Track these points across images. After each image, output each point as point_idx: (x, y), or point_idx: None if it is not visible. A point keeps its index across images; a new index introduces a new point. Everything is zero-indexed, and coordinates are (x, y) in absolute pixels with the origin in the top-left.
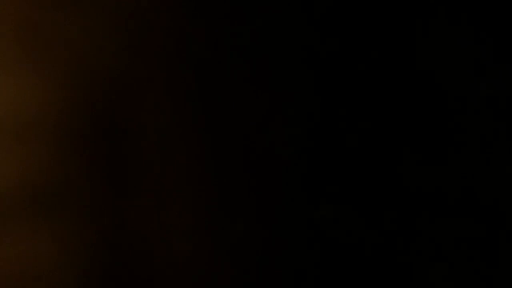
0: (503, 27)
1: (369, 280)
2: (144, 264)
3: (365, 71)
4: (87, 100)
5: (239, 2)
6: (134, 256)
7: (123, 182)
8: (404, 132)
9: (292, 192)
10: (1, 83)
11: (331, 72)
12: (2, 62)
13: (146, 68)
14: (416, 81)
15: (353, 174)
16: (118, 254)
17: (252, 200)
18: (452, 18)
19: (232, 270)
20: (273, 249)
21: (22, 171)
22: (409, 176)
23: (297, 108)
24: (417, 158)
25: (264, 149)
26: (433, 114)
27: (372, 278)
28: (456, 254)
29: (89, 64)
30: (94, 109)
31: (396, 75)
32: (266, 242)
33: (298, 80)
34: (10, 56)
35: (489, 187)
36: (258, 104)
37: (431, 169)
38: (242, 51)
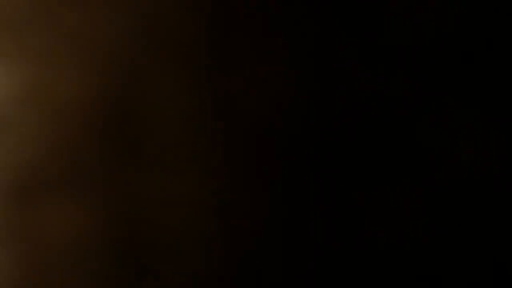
0: None
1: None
2: (152, 227)
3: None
4: (106, 87)
5: None
6: (142, 221)
7: (137, 157)
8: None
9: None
10: (40, 72)
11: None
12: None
13: (156, 57)
14: None
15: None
16: (131, 220)
17: (252, 167)
18: None
19: (235, 232)
20: (274, 220)
21: (56, 147)
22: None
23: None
24: None
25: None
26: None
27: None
28: None
29: (107, 53)
30: (111, 95)
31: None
32: (270, 208)
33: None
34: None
35: None
36: (264, 89)
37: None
38: (258, 37)
